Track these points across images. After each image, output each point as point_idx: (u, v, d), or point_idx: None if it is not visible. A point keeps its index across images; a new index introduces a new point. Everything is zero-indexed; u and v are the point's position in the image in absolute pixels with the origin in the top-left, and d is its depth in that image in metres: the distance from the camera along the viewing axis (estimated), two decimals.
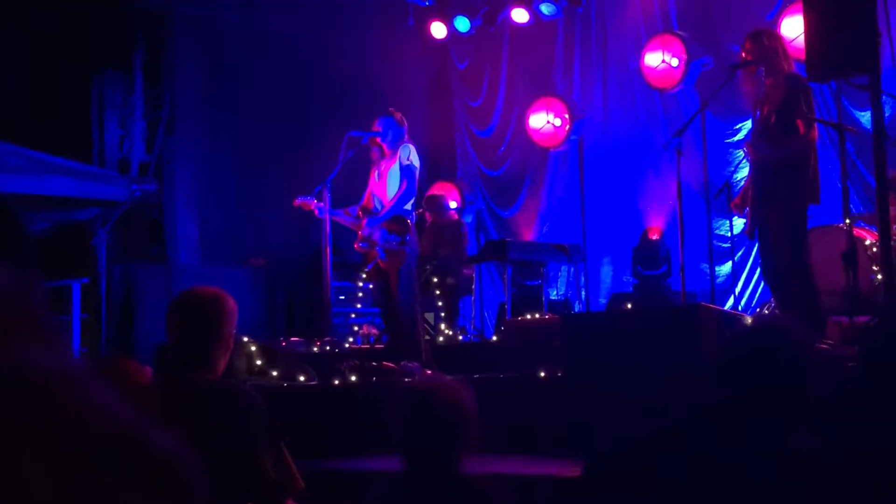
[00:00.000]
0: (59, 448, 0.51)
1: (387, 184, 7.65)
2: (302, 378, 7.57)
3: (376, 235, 7.59)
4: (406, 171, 7.56)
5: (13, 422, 0.51)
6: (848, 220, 6.29)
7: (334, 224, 7.85)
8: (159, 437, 0.56)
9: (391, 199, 7.57)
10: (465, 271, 10.58)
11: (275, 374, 7.68)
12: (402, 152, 7.58)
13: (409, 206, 7.65)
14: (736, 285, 9.67)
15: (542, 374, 6.51)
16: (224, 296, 3.33)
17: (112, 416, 0.55)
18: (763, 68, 6.28)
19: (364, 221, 7.66)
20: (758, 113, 6.42)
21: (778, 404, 2.48)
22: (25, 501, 0.48)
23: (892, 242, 5.74)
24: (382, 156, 7.71)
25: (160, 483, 0.54)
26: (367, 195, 7.80)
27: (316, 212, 7.72)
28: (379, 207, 7.66)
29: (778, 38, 6.61)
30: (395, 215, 7.55)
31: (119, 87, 11.75)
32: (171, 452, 0.56)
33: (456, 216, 11.15)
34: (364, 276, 10.80)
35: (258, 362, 7.79)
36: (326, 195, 7.63)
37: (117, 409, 0.53)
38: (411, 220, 7.63)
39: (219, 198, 12.09)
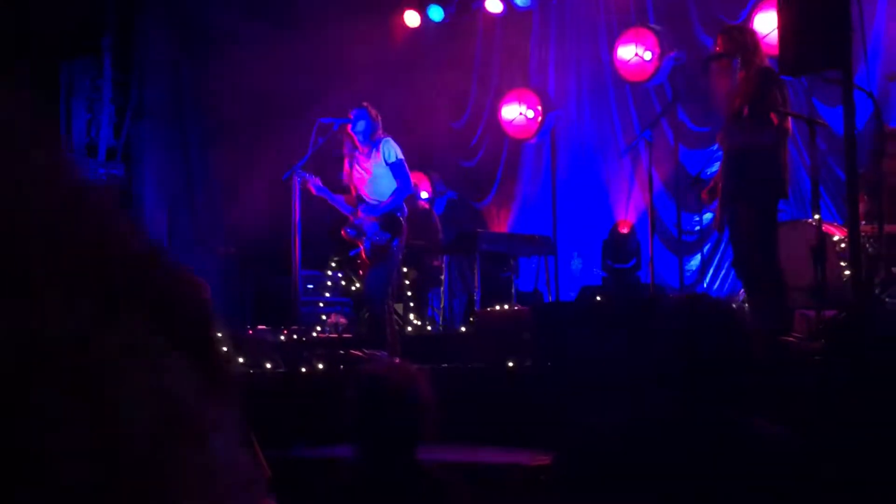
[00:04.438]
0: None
1: (374, 181, 7.52)
2: (269, 365, 7.52)
3: (367, 227, 7.51)
4: (397, 167, 7.46)
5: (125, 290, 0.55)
6: (817, 216, 6.32)
7: (304, 211, 7.77)
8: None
9: (389, 196, 7.46)
10: (434, 262, 10.54)
11: (241, 361, 7.62)
12: (384, 148, 7.46)
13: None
14: (705, 278, 9.71)
15: (511, 365, 6.50)
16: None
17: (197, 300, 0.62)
18: (737, 61, 6.29)
19: (360, 209, 7.55)
20: (730, 106, 6.43)
21: (712, 375, 2.48)
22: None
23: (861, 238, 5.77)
24: (354, 148, 7.60)
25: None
26: (352, 190, 7.67)
27: (313, 189, 7.61)
28: (373, 202, 7.56)
29: (750, 33, 6.63)
30: (389, 212, 7.48)
31: (87, 71, 11.61)
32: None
33: (427, 206, 11.12)
34: (334, 264, 10.75)
35: (225, 349, 7.72)
36: (295, 181, 7.56)
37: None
38: (403, 217, 7.55)
39: (187, 184, 11.98)
